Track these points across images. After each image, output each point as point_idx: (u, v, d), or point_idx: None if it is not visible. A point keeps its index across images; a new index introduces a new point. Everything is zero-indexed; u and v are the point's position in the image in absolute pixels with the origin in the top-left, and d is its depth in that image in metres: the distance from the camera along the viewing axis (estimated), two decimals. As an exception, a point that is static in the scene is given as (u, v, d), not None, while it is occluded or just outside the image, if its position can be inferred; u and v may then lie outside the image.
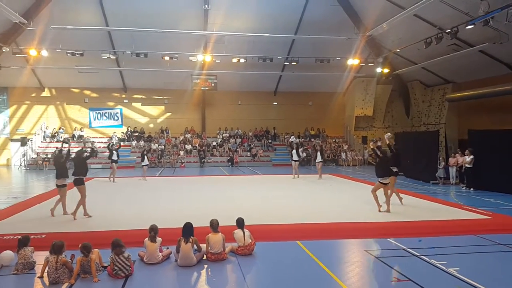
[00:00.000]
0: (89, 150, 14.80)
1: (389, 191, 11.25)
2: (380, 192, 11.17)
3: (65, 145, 15.97)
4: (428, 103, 29.44)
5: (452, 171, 18.02)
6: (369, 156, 19.51)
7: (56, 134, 30.08)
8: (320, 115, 32.82)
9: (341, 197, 13.53)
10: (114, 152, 18.23)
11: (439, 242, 8.12)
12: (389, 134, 12.51)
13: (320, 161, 18.86)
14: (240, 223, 7.59)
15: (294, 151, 18.94)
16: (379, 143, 11.34)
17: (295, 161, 18.87)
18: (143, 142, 29.89)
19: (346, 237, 8.64)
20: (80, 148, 13.54)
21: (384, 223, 9.72)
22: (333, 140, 31.93)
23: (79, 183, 10.20)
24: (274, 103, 33.05)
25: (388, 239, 8.42)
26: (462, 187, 16.80)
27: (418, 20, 21.10)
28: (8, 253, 6.92)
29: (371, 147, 11.30)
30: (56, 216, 10.63)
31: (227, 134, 32.00)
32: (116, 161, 18.30)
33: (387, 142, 11.88)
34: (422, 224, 9.66)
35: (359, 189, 15.75)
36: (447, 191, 16.04)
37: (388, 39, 25.30)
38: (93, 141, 20.04)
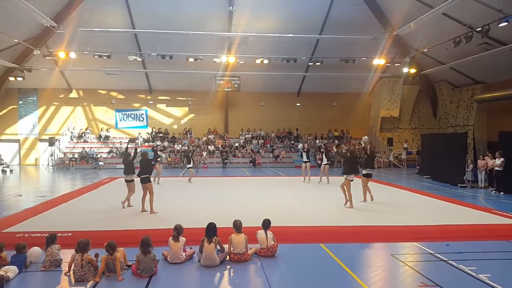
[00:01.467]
0: (153, 153, 15.85)
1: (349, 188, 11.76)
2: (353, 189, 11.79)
3: (131, 144, 16.38)
4: (456, 104, 28.76)
5: (481, 174, 17.49)
6: (336, 154, 20.20)
7: (83, 135, 30.78)
8: (344, 116, 32.46)
9: (372, 201, 13.04)
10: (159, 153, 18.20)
11: (468, 247, 7.86)
12: (366, 137, 13.39)
13: (326, 164, 17.94)
14: (265, 224, 7.52)
15: (304, 153, 18.47)
16: (343, 147, 12.24)
17: (305, 162, 18.35)
18: (167, 142, 30.24)
19: (371, 240, 8.45)
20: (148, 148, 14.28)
21: (410, 227, 9.49)
22: (357, 141, 31.18)
23: (145, 181, 10.83)
24: (297, 104, 33.04)
25: (414, 243, 8.21)
26: (492, 191, 16.31)
27: (447, 18, 20.60)
28: (36, 249, 7.06)
29: (335, 150, 12.39)
30: (83, 214, 10.84)
31: (250, 135, 32.18)
32: (160, 162, 18.19)
33: (363, 145, 12.79)
34: (449, 228, 9.39)
35: (384, 192, 15.44)
36: (476, 194, 15.57)
37: (415, 38, 24.83)
38: (157, 145, 20.55)
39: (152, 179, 13.90)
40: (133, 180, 11.37)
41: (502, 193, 15.67)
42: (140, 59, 26.29)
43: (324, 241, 8.17)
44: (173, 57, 24.81)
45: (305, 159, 18.33)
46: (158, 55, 24.83)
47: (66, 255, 6.85)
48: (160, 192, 14.76)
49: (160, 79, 30.12)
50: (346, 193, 11.77)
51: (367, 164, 12.69)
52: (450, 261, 7.01)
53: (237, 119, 32.54)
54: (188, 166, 18.75)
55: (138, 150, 13.45)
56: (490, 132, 26.01)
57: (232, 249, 7.07)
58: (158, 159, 16.97)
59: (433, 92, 30.46)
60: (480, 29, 18.37)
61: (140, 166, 11.17)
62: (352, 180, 11.64)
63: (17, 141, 30.62)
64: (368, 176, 12.55)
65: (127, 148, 12.74)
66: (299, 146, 18.76)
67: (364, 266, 6.95)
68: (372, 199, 12.78)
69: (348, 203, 11.75)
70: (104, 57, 24.64)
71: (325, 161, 18.00)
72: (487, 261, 7.18)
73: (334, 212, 11.33)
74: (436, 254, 7.42)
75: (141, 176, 10.89)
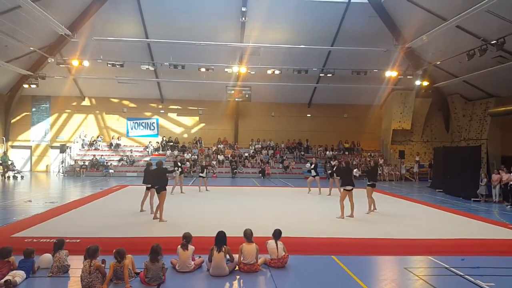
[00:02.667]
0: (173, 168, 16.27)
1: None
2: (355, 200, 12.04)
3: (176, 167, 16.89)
4: (469, 117, 28.46)
5: (495, 188, 17.15)
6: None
7: (94, 142, 30.94)
8: (355, 128, 32.38)
9: (378, 211, 13.07)
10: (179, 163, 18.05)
11: (485, 262, 7.62)
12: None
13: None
14: (276, 234, 7.41)
15: (313, 167, 18.35)
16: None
17: (313, 176, 18.32)
18: (177, 151, 30.25)
19: (384, 253, 8.29)
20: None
21: (424, 240, 9.29)
22: (369, 154, 31.12)
23: (160, 190, 10.98)
24: (308, 115, 32.91)
25: (429, 257, 8.02)
26: (507, 206, 15.99)
27: (461, 31, 20.43)
28: (47, 256, 6.99)
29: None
30: (92, 220, 10.83)
31: (260, 145, 32.02)
32: (182, 173, 18.04)
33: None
34: (464, 243, 9.19)
35: (397, 205, 15.30)
36: (490, 209, 15.25)
37: (428, 51, 24.67)
38: (177, 155, 20.76)
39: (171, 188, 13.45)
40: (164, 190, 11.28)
41: (517, 208, 15.30)
42: (153, 69, 26.39)
43: (336, 253, 8.03)
44: (185, 67, 24.86)
45: (313, 174, 18.25)
46: (171, 64, 24.91)
47: (74, 261, 6.81)
48: (170, 201, 14.78)
49: (172, 88, 30.28)
50: (341, 202, 12.05)
51: (370, 176, 13.11)
52: (466, 276, 6.81)
53: (247, 129, 32.49)
54: (200, 174, 18.79)
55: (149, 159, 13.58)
56: (505, 146, 25.69)
57: (242, 258, 6.94)
58: (177, 169, 16.98)
59: (445, 105, 30.16)
60: (495, 42, 18.14)
61: (155, 175, 11.33)
62: (349, 191, 11.83)
63: (29, 147, 30.87)
64: (372, 186, 12.90)
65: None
66: (307, 165, 18.77)
67: (377, 280, 6.75)
68: (375, 209, 13.05)
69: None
70: (117, 66, 24.80)
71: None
72: (505, 277, 6.93)
73: (345, 224, 11.20)
74: (452, 269, 7.22)
75: (157, 187, 11.03)
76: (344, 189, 11.88)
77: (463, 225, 11.38)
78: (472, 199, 17.45)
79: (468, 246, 8.86)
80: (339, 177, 14.04)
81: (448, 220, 12.03)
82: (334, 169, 16.85)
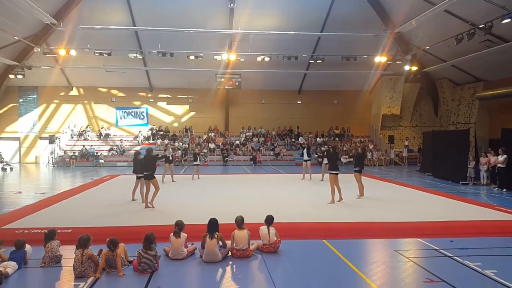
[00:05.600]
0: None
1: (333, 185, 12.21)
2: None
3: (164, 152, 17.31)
4: (458, 101, 28.70)
5: (483, 171, 17.39)
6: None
7: (83, 133, 30.65)
8: (346, 114, 32.37)
9: (368, 196, 13.16)
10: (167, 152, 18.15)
11: (473, 243, 7.80)
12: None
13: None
14: (268, 220, 7.49)
15: (305, 150, 18.55)
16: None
17: (305, 160, 18.51)
18: (167, 140, 30.00)
19: (375, 236, 8.42)
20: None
21: (413, 223, 9.44)
22: (358, 139, 31.21)
23: (150, 177, 11.24)
24: (298, 102, 32.77)
25: (418, 239, 8.18)
26: (494, 188, 16.22)
27: (449, 16, 20.47)
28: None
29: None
30: (83, 210, 10.80)
31: (250, 133, 31.92)
32: (172, 161, 18.11)
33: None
34: (453, 225, 9.34)
35: (386, 189, 15.47)
36: (478, 191, 15.49)
37: (417, 36, 24.72)
38: (166, 144, 20.72)
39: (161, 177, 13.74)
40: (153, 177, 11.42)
41: (505, 190, 15.58)
42: (141, 57, 26.02)
43: (327, 237, 8.13)
44: (174, 54, 24.58)
45: (305, 157, 18.36)
46: (159, 52, 24.60)
47: (66, 251, 6.79)
48: (162, 189, 14.77)
49: (161, 77, 29.89)
50: (332, 187, 12.20)
51: (358, 161, 13.27)
52: (455, 257, 6.97)
53: (237, 117, 32.28)
54: (194, 163, 18.84)
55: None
56: (492, 129, 25.88)
57: (234, 245, 7.04)
58: (167, 155, 17.07)
59: (434, 90, 30.35)
60: (482, 26, 18.19)
61: (144, 163, 11.43)
62: (335, 174, 11.99)
63: (17, 139, 30.47)
64: (359, 172, 13.05)
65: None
66: (299, 139, 18.74)
67: (368, 262, 6.87)
68: (362, 195, 13.13)
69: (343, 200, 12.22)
70: (104, 55, 24.44)
71: (325, 161, 17.90)
72: (492, 257, 7.11)
73: (336, 208, 11.28)
74: (441, 250, 7.38)
75: (146, 173, 11.11)
76: (330, 173, 12.12)
77: (452, 207, 11.49)
78: (460, 182, 17.68)
79: (456, 228, 9.00)
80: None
81: (437, 203, 12.16)
82: (324, 154, 16.97)
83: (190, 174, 18.70)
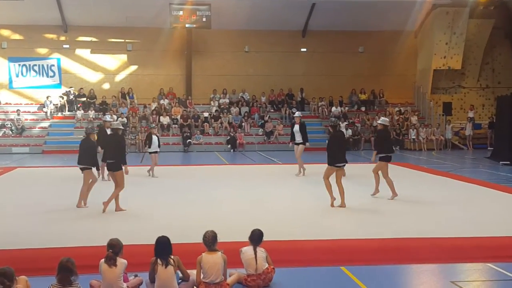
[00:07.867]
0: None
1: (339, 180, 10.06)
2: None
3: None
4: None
5: None
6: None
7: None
8: (376, 69, 26.13)
9: (409, 198, 10.40)
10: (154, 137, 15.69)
11: None
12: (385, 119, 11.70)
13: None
14: (254, 237, 5.86)
15: (296, 127, 14.81)
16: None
17: (298, 144, 15.00)
18: (94, 111, 23.69)
19: (420, 261, 6.54)
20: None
21: (480, 239, 7.33)
22: (396, 109, 25.07)
23: (117, 168, 9.82)
24: (303, 50, 26.39)
25: (488, 264, 6.57)
26: None
27: None
28: None
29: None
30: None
31: (227, 100, 25.92)
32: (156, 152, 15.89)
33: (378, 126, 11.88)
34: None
35: (436, 185, 12.76)
36: None
37: None
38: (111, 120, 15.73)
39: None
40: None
41: None
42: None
43: (346, 263, 6.54)
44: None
45: (297, 139, 14.87)
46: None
47: None
48: (92, 191, 11.09)
49: (81, 9, 23.88)
50: (338, 186, 10.10)
51: (378, 145, 11.11)
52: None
53: (206, 75, 25.84)
54: (150, 150, 15.38)
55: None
56: None
57: (202, 276, 5.64)
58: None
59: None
60: None
61: (106, 146, 9.89)
62: (339, 168, 9.72)
63: None
64: (385, 159, 10.57)
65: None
66: (295, 113, 15.44)
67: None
68: (376, 193, 10.70)
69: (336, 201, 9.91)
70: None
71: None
72: None
73: (356, 218, 8.97)
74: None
75: (109, 161, 9.42)
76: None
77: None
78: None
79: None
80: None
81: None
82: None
83: (129, 166, 12.61)
